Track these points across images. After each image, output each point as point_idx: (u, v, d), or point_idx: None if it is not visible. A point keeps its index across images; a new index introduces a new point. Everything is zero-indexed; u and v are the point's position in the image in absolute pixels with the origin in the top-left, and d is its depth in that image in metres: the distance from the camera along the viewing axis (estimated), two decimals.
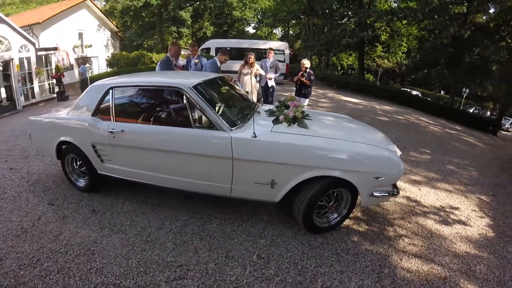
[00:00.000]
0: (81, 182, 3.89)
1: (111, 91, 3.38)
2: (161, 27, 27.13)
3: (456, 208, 4.16)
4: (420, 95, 22.05)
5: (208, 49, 16.37)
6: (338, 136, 3.07)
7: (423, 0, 15.28)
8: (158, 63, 5.36)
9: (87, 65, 14.10)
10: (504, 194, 5.07)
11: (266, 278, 2.47)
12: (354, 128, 3.66)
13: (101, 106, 3.40)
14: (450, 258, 2.98)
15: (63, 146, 3.78)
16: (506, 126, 21.38)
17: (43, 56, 14.69)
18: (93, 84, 3.68)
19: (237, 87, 4.61)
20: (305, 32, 30.73)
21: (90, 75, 15.07)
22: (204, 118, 2.94)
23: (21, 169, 4.65)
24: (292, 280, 2.45)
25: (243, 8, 33.12)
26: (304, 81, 6.53)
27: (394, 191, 2.98)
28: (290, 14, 26.53)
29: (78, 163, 3.77)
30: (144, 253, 2.79)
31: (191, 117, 2.98)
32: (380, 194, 2.86)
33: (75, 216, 3.39)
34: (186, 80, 3.20)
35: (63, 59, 16.82)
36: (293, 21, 32.64)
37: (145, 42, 32.23)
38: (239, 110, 3.44)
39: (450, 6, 13.67)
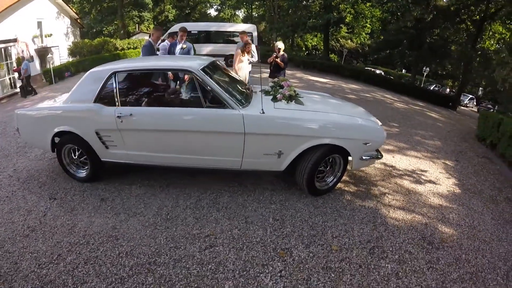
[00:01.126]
0: (82, 173, 3.83)
1: (113, 76, 3.37)
2: (123, 11, 25.81)
3: (426, 171, 4.76)
4: (383, 74, 23.34)
5: (175, 33, 16.04)
6: (330, 110, 3.62)
7: None
8: (141, 48, 5.45)
9: (31, 61, 13.44)
10: (466, 159, 5.81)
11: (286, 235, 2.85)
12: (339, 103, 4.27)
13: (103, 92, 3.40)
14: (427, 209, 3.51)
15: (56, 138, 3.70)
16: (465, 102, 23.41)
17: (2, 49, 13.96)
18: (91, 71, 3.62)
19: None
20: (269, 14, 30.89)
21: (52, 66, 14.38)
22: (215, 98, 3.17)
23: (5, 168, 4.39)
24: (307, 234, 2.87)
25: None
26: (278, 62, 6.73)
27: (378, 154, 3.53)
28: None
29: (77, 153, 3.70)
30: (169, 230, 2.94)
31: (202, 97, 3.19)
32: (367, 158, 3.39)
33: (84, 207, 3.36)
34: (193, 63, 3.39)
35: (22, 51, 15.84)
36: (257, 3, 32.47)
37: (105, 28, 30.63)
38: (239, 90, 3.68)
39: None
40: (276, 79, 4.10)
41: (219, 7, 38.88)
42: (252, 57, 6.73)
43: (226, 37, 16.63)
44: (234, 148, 3.23)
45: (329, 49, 24.06)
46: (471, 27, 15.53)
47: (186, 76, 5.31)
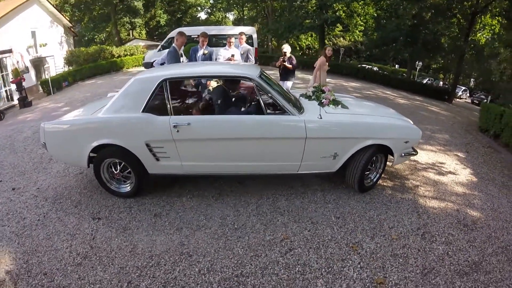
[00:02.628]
0: (125, 188, 3.64)
1: (164, 83, 3.24)
2: (115, 18, 25.91)
3: (444, 163, 5.33)
4: (379, 70, 24.09)
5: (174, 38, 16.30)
6: (371, 112, 4.02)
7: None
8: (164, 55, 5.31)
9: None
10: (474, 150, 6.43)
11: (352, 230, 3.13)
12: (373, 106, 4.65)
13: (152, 101, 3.26)
14: (455, 197, 4.07)
15: (91, 153, 3.46)
16: (459, 94, 24.29)
17: None
18: (136, 78, 3.45)
19: None
20: (262, 15, 31.39)
21: (48, 76, 14.45)
22: (275, 104, 3.31)
23: (26, 187, 4.06)
24: (368, 227, 3.19)
25: None
26: (287, 66, 6.79)
27: (414, 151, 3.98)
28: None
29: (118, 167, 3.51)
30: (242, 240, 2.95)
31: (262, 104, 3.27)
32: (406, 154, 3.85)
33: (137, 225, 3.19)
34: (250, 70, 3.49)
35: (17, 62, 15.83)
36: (248, 4, 32.83)
37: (96, 36, 30.74)
38: (291, 97, 3.79)
39: None
40: (316, 84, 4.49)
41: (209, 10, 39.22)
42: (248, 60, 6.81)
43: (226, 40, 16.92)
44: (294, 152, 3.37)
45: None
46: (462, 21, 16.35)
47: (208, 82, 5.65)
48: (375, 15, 20.70)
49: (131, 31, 33.57)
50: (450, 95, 17.28)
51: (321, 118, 3.33)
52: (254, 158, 3.41)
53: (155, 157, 3.35)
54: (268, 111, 3.32)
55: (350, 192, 3.84)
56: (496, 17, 16.38)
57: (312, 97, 4.09)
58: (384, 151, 3.70)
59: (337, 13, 19.40)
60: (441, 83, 27.60)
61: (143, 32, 34.59)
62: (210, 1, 36.71)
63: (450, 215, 3.57)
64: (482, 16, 16.07)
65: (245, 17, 36.50)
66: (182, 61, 5.30)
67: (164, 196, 3.72)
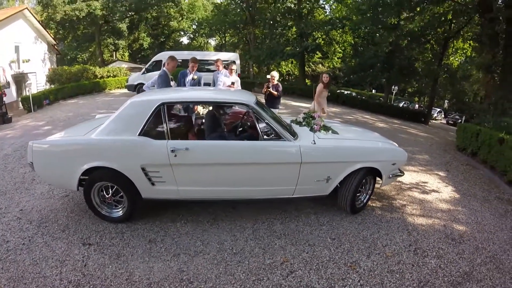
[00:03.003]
0: (117, 213, 3.52)
1: (162, 107, 3.24)
2: (100, 39, 26.08)
3: (427, 182, 5.58)
4: (357, 95, 25.01)
5: (159, 62, 16.32)
6: (359, 137, 4.21)
7: (357, 12, 17.89)
8: (155, 78, 5.30)
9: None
10: (453, 168, 6.76)
11: (348, 250, 3.19)
12: (359, 130, 4.87)
13: (149, 124, 3.24)
14: (440, 213, 4.27)
15: (81, 176, 3.34)
16: (434, 115, 25.44)
17: None
18: (133, 101, 3.43)
19: None
20: (244, 42, 32.39)
21: (29, 93, 14.20)
22: (270, 131, 3.40)
23: (8, 208, 3.87)
24: (363, 246, 3.27)
25: (180, 18, 33.59)
26: (272, 92, 6.79)
27: (400, 172, 4.19)
28: (230, 24, 27.72)
29: (110, 191, 3.40)
30: (242, 264, 2.94)
31: (259, 130, 3.35)
32: (394, 175, 4.04)
33: (132, 251, 3.08)
34: (247, 97, 3.61)
35: None
36: (230, 31, 33.80)
37: (79, 56, 30.75)
38: (285, 123, 3.86)
39: (381, 17, 16.32)
40: (306, 111, 4.66)
41: (191, 36, 40.14)
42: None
43: (210, 66, 16.79)
44: (290, 177, 3.44)
45: (305, 75, 25.53)
46: (435, 47, 17.48)
47: (195, 107, 5.58)
48: (353, 42, 21.83)
49: (114, 52, 33.80)
50: (426, 117, 18.11)
51: (315, 143, 3.44)
52: (251, 183, 3.45)
53: (151, 181, 3.29)
54: (265, 137, 3.41)
55: (342, 213, 3.94)
56: (468, 41, 17.68)
57: (303, 123, 4.23)
58: (373, 173, 3.84)
59: (317, 41, 20.31)
60: (417, 105, 28.93)
61: (126, 54, 34.97)
62: (193, 27, 37.63)
63: (438, 231, 3.74)
64: (455, 41, 17.31)
65: (227, 43, 37.57)
66: (172, 85, 5.30)
67: (157, 221, 3.63)
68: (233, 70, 6.74)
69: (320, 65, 35.01)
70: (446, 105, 32.48)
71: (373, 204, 4.32)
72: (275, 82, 6.92)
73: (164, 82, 5.06)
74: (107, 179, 3.34)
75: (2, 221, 3.59)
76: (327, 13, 22.48)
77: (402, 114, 17.78)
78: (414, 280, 2.77)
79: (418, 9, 14.83)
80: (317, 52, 21.43)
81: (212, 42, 43.21)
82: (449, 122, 25.42)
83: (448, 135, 14.19)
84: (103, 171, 3.27)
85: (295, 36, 22.25)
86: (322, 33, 20.89)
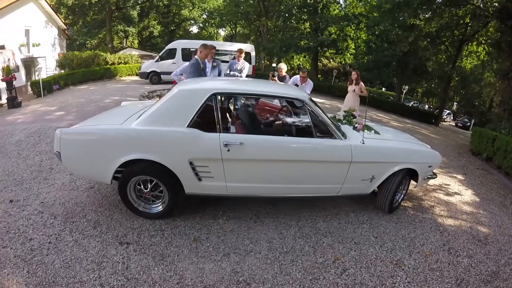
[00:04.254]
0: (157, 208, 3.39)
1: (214, 98, 3.12)
2: (111, 25, 26.09)
3: (449, 185, 5.92)
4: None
5: (174, 50, 16.36)
6: (398, 138, 4.40)
7: (378, 10, 18.06)
8: (188, 65, 5.23)
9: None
10: (470, 172, 7.10)
11: (391, 249, 3.39)
12: (394, 131, 5.09)
13: (198, 115, 3.09)
14: (465, 215, 4.62)
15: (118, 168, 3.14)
16: (444, 117, 25.70)
17: None
18: (181, 89, 3.26)
19: None
20: (256, 34, 32.45)
21: (39, 77, 14.02)
22: (323, 128, 3.42)
23: (27, 200, 3.63)
24: (403, 245, 3.50)
25: (192, 7, 33.54)
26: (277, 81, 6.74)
27: (434, 175, 4.45)
28: (243, 15, 27.75)
29: (149, 185, 3.25)
30: (296, 263, 2.96)
31: (313, 127, 3.35)
32: (428, 178, 4.30)
33: (177, 251, 2.95)
34: (298, 92, 3.62)
35: (8, 60, 14.92)
36: (241, 22, 33.74)
37: (88, 42, 30.80)
38: (334, 121, 3.86)
39: (399, 16, 16.51)
40: (347, 109, 4.90)
41: (201, 25, 40.11)
42: (241, 72, 6.83)
43: (223, 57, 16.88)
44: (338, 175, 3.48)
45: (318, 69, 25.69)
46: (450, 49, 17.70)
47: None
48: (366, 40, 21.98)
49: (125, 39, 33.85)
50: (437, 119, 18.38)
51: (364, 143, 3.52)
52: (302, 180, 3.44)
53: (197, 176, 3.16)
54: (318, 134, 3.40)
55: (378, 212, 4.22)
56: (482, 45, 17.89)
57: (344, 122, 4.33)
58: (409, 174, 4.05)
59: (332, 36, 20.48)
60: (426, 106, 29.16)
61: (136, 41, 35.05)
62: (203, 16, 37.57)
63: (465, 232, 4.10)
64: (469, 44, 17.52)
65: (237, 34, 37.55)
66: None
67: (197, 218, 3.52)
68: (241, 56, 6.72)
69: (331, 61, 35.10)
70: (455, 107, 32.73)
71: (405, 204, 4.64)
72: (283, 73, 7.02)
73: (196, 71, 4.95)
74: (148, 173, 3.16)
75: (21, 215, 3.27)
76: (342, 8, 22.42)
77: (412, 114, 18.07)
78: (452, 277, 3.12)
79: (438, 10, 14.99)
80: (331, 48, 21.55)
81: (222, 32, 43.18)
82: (458, 124, 25.79)
83: (458, 138, 14.52)
84: (143, 164, 3.08)
85: (309, 30, 22.37)
86: (337, 29, 21.03)
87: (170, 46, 16.74)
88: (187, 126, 3.04)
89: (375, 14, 19.34)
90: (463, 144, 11.33)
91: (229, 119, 4.37)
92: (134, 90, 13.07)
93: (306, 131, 3.59)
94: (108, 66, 18.61)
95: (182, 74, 5.84)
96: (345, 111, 4.70)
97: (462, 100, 29.37)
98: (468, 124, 24.54)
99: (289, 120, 4.21)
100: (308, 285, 2.70)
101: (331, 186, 3.61)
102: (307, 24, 22.69)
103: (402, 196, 4.33)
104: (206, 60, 5.77)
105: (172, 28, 35.70)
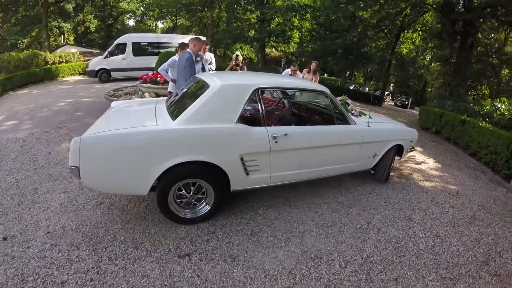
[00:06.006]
0: (203, 210, 3.28)
1: (257, 92, 3.23)
2: (47, 21, 23.64)
3: (414, 156, 7.04)
4: None
5: (123, 45, 15.67)
6: (387, 121, 5.28)
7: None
8: (180, 59, 5.17)
9: None
10: (426, 144, 8.44)
11: (399, 209, 4.15)
12: (378, 115, 5.97)
13: (243, 110, 3.16)
14: (437, 178, 5.71)
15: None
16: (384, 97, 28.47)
17: None
18: (223, 85, 3.13)
19: None
20: (198, 25, 32.19)
21: None
22: (340, 116, 3.96)
23: (25, 233, 2.96)
24: (406, 205, 4.31)
25: (129, 0, 32.02)
26: (239, 69, 7.01)
27: (413, 148, 5.45)
28: (185, 6, 27.34)
29: (192, 188, 3.13)
30: (345, 232, 3.44)
31: (334, 116, 3.88)
32: (409, 151, 5.29)
33: (243, 248, 2.99)
34: (322, 87, 3.99)
35: None
36: (183, 13, 33.11)
37: (20, 41, 27.70)
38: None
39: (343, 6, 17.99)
40: (340, 97, 5.61)
41: (139, 18, 38.51)
42: (210, 64, 6.98)
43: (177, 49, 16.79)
44: (355, 154, 4.14)
45: (266, 59, 26.57)
46: (389, 36, 19.80)
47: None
48: (310, 29, 23.37)
49: (62, 36, 31.20)
50: (380, 100, 20.47)
51: (369, 126, 4.26)
52: (331, 162, 3.95)
53: (246, 171, 3.20)
54: (338, 122, 3.94)
55: (376, 183, 4.99)
56: (417, 32, 20.32)
57: None
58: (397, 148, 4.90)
59: (279, 26, 21.42)
60: (367, 89, 31.91)
61: (71, 38, 32.52)
62: (141, 9, 36.09)
63: (442, 190, 5.14)
64: (405, 31, 19.79)
65: (178, 26, 36.73)
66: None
67: (238, 213, 3.59)
68: (206, 49, 6.66)
69: (273, 49, 36.32)
70: (391, 88, 36.27)
71: (391, 174, 5.59)
72: (240, 63, 7.28)
73: (191, 65, 4.97)
74: (195, 176, 3.03)
75: (30, 254, 2.67)
76: None
77: (358, 96, 19.87)
78: (447, 222, 4.04)
79: (385, 4, 16.69)
80: (280, 37, 22.51)
81: (160, 25, 41.84)
82: (397, 104, 28.79)
83: (401, 116, 16.49)
84: (189, 167, 2.94)
85: (256, 21, 23.05)
86: (283, 19, 22.02)
87: (119, 40, 15.87)
88: (236, 122, 3.06)
89: (318, 4, 20.70)
90: (411, 121, 13.04)
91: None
92: (85, 91, 12.41)
93: (328, 120, 4.08)
94: (49, 66, 17.02)
95: (169, 69, 5.89)
96: (340, 100, 5.39)
97: (399, 81, 32.80)
98: (406, 103, 27.65)
99: (314, 110, 4.78)
100: (362, 247, 3.22)
101: (351, 164, 4.23)
102: (254, 15, 23.31)
103: (391, 168, 5.25)
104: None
105: (110, 22, 33.70)
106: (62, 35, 31.38)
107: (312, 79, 7.93)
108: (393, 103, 30.03)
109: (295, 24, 23.32)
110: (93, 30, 32.00)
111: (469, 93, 13.64)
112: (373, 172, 4.99)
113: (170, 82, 5.97)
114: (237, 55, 7.22)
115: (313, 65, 8.01)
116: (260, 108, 3.28)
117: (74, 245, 2.83)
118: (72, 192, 3.81)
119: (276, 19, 22.05)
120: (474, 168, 6.64)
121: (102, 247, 2.83)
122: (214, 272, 2.64)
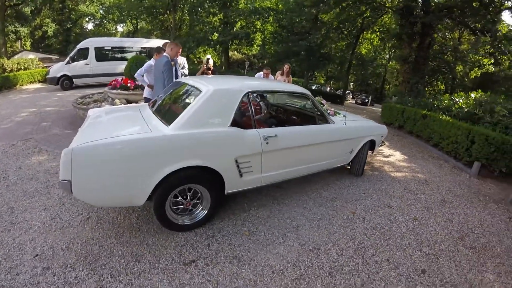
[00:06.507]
0: (201, 214, 3.31)
1: (247, 96, 3.34)
2: (4, 25, 21.80)
3: (382, 150, 7.54)
4: None
5: (85, 49, 14.96)
6: (359, 118, 5.64)
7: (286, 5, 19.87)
8: (158, 64, 5.08)
9: None
10: (391, 139, 8.99)
11: (378, 199, 4.49)
12: (349, 113, 6.33)
13: (236, 113, 3.23)
14: (405, 169, 6.17)
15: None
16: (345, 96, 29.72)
17: None
18: (216, 89, 3.17)
19: None
20: (160, 29, 31.61)
21: None
22: (320, 116, 4.21)
23: (9, 258, 2.74)
24: (384, 194, 4.64)
25: (89, 2, 30.70)
26: (209, 73, 7.03)
27: (383, 142, 5.85)
28: (147, 9, 26.75)
29: (188, 194, 3.16)
30: (334, 223, 3.67)
31: (316, 116, 4.15)
32: (380, 145, 5.67)
33: (244, 249, 3.08)
34: (303, 89, 4.19)
35: None
36: (144, 16, 32.35)
37: None
38: None
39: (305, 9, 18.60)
40: (316, 98, 5.87)
41: (97, 22, 37.08)
42: (183, 68, 7.05)
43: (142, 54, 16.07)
44: (335, 151, 4.44)
45: (229, 62, 26.69)
46: (349, 37, 20.76)
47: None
48: (273, 31, 23.87)
49: (19, 41, 29.13)
50: (342, 98, 21.38)
51: (346, 124, 4.53)
52: (315, 159, 4.16)
53: (240, 173, 3.28)
54: (319, 121, 4.20)
55: (352, 177, 5.30)
56: (376, 32, 21.48)
57: None
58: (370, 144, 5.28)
59: (243, 29, 21.66)
60: (328, 88, 33.13)
61: (28, 43, 30.55)
62: (101, 12, 34.74)
63: (412, 179, 5.57)
64: (364, 32, 20.86)
65: (140, 30, 35.79)
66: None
67: (231, 215, 3.68)
68: (179, 52, 6.47)
69: (235, 52, 36.55)
70: (351, 86, 37.87)
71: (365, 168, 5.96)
72: (211, 67, 7.36)
73: (170, 69, 4.93)
74: (191, 181, 3.04)
75: (22, 282, 2.46)
76: (250, 1, 23.76)
77: (320, 95, 20.57)
78: (421, 206, 4.41)
79: (347, 8, 17.45)
80: (243, 40, 22.73)
81: (120, 28, 40.57)
82: (358, 102, 30.14)
83: (362, 113, 17.31)
84: (186, 172, 2.94)
85: (219, 23, 23.12)
86: (246, 22, 22.29)
87: (81, 45, 15.16)
88: (229, 126, 3.14)
89: (281, 7, 21.25)
90: (374, 117, 13.72)
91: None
92: (47, 99, 11.77)
93: (310, 120, 4.30)
94: (6, 74, 15.82)
95: (145, 73, 5.77)
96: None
97: (358, 80, 34.40)
98: (367, 100, 29.04)
99: (295, 112, 5.02)
100: (352, 235, 3.48)
101: (332, 160, 4.50)
102: (217, 18, 23.36)
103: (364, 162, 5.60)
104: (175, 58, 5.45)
105: (68, 26, 32.01)
106: (20, 41, 29.44)
107: (285, 80, 8.15)
108: (353, 101, 31.46)
109: (258, 26, 23.67)
110: (51, 35, 30.32)
111: (426, 88, 14.75)
112: (349, 167, 5.33)
113: (146, 88, 5.87)
114: (208, 59, 7.23)
115: (286, 67, 8.21)
116: (250, 110, 3.41)
117: (69, 266, 2.68)
118: (53, 209, 3.58)
119: (239, 22, 22.24)
120: (438, 158, 7.23)
121: (101, 265, 2.71)
122: (223, 275, 2.69)
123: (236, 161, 3.20)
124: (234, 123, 3.20)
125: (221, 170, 3.12)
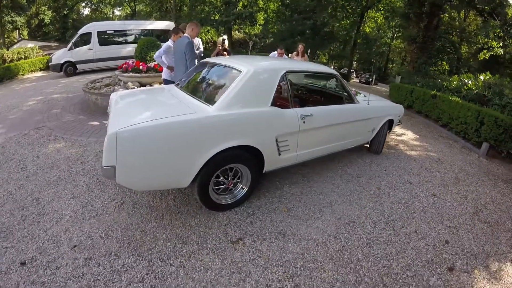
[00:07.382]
0: (241, 192, 3.45)
1: (285, 76, 3.44)
2: (0, 16, 21.66)
3: (395, 130, 7.85)
4: None
5: (88, 34, 14.99)
6: (378, 99, 5.86)
7: None
8: (165, 45, 5.48)
9: None
10: (401, 118, 9.26)
11: (399, 175, 4.80)
12: (368, 93, 6.58)
13: (275, 93, 3.30)
14: (419, 148, 6.49)
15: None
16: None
17: None
18: (256, 70, 3.20)
19: None
20: (159, 11, 31.15)
21: None
22: (347, 96, 4.45)
23: (44, 253, 2.61)
24: (403, 171, 4.94)
25: None
26: (225, 54, 7.48)
27: (400, 121, 6.13)
28: None
29: (230, 174, 3.24)
30: (362, 199, 3.95)
31: (344, 96, 4.47)
32: (397, 124, 5.99)
33: (286, 224, 3.24)
34: (333, 70, 4.45)
35: None
36: None
37: None
38: None
39: None
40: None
41: (94, 6, 36.43)
42: (198, 49, 7.20)
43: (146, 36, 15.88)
44: (360, 130, 4.67)
45: (233, 42, 26.53)
46: (353, 16, 20.66)
47: None
48: (276, 10, 23.64)
49: (16, 31, 28.81)
50: (347, 77, 21.48)
51: (369, 104, 4.76)
52: (343, 138, 4.39)
53: (279, 151, 3.41)
54: (346, 101, 4.45)
55: (371, 155, 5.64)
56: (380, 11, 21.38)
57: None
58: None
59: (252, 9, 21.48)
60: (332, 67, 33.06)
61: (25, 32, 30.21)
62: None
63: (426, 157, 5.91)
64: (368, 11, 20.75)
65: (138, 12, 35.21)
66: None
67: (266, 193, 3.86)
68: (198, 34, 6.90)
69: (236, 32, 36.15)
70: (354, 65, 37.74)
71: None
72: (226, 47, 7.66)
73: (192, 50, 4.97)
74: (234, 160, 3.12)
75: (65, 276, 2.36)
76: None
77: None
78: (438, 183, 4.75)
79: None
80: (247, 20, 22.56)
81: (117, 12, 39.82)
82: (362, 81, 30.10)
83: (367, 92, 17.48)
84: (230, 152, 3.00)
85: (221, 3, 22.87)
86: (248, 1, 22.06)
87: (83, 30, 15.14)
88: (270, 105, 3.24)
89: None
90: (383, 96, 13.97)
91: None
92: (52, 86, 11.81)
93: (338, 100, 4.58)
94: (7, 64, 15.87)
95: (164, 54, 5.76)
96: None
97: (362, 58, 34.27)
98: (370, 79, 28.99)
99: (324, 92, 5.28)
100: (381, 208, 3.78)
101: (358, 138, 4.79)
102: None
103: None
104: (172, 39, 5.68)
105: (65, 13, 31.46)
106: (17, 30, 29.08)
107: (301, 60, 8.33)
108: (357, 80, 31.44)
109: (260, 5, 23.42)
110: (48, 22, 29.88)
111: (430, 68, 14.86)
112: (368, 145, 5.63)
113: (165, 69, 5.86)
114: (224, 39, 7.38)
115: (300, 47, 8.34)
116: (288, 90, 3.55)
117: (113, 254, 2.60)
118: (83, 197, 3.51)
119: (242, 0, 22.00)
120: (447, 138, 7.55)
121: (147, 250, 2.68)
122: (272, 250, 2.83)
123: (276, 139, 3.32)
124: (274, 103, 3.30)
125: (263, 149, 3.23)
